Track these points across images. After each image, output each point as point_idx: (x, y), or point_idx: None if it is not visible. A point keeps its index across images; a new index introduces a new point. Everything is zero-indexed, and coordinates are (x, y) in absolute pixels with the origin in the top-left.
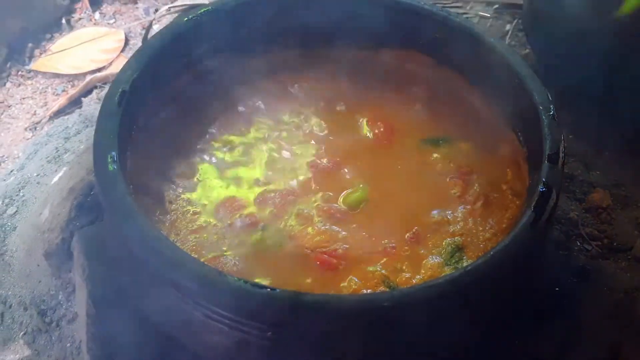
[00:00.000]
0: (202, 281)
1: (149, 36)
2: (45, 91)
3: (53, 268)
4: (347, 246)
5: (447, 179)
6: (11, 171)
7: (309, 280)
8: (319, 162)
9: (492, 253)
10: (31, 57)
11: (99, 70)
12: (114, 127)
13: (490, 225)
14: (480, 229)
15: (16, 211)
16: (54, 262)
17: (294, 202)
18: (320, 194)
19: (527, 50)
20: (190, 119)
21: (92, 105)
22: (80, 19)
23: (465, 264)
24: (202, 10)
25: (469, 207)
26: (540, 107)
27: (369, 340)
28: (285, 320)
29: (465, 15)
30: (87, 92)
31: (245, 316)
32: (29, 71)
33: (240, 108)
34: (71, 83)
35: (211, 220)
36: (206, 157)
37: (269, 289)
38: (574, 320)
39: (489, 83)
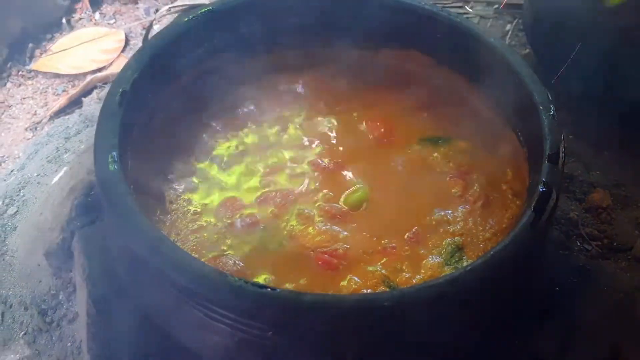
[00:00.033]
0: (203, 281)
1: (150, 36)
2: (46, 91)
3: (53, 268)
4: (348, 246)
5: (447, 179)
6: (12, 171)
7: (309, 280)
8: (319, 162)
9: (492, 253)
10: (32, 57)
11: (100, 70)
12: (114, 127)
13: (490, 225)
14: (480, 228)
15: (17, 211)
16: (55, 261)
17: (294, 202)
18: (321, 194)
19: (527, 50)
20: (190, 118)
21: (92, 105)
22: (80, 19)
23: (465, 264)
24: (202, 11)
25: (469, 207)
26: (540, 107)
27: (369, 340)
28: (285, 320)
29: (465, 15)
30: (88, 92)
31: (246, 316)
32: (30, 71)
33: (241, 108)
34: (71, 83)
35: (212, 220)
36: (207, 157)
37: (269, 289)
38: (574, 320)
39: (489, 83)
